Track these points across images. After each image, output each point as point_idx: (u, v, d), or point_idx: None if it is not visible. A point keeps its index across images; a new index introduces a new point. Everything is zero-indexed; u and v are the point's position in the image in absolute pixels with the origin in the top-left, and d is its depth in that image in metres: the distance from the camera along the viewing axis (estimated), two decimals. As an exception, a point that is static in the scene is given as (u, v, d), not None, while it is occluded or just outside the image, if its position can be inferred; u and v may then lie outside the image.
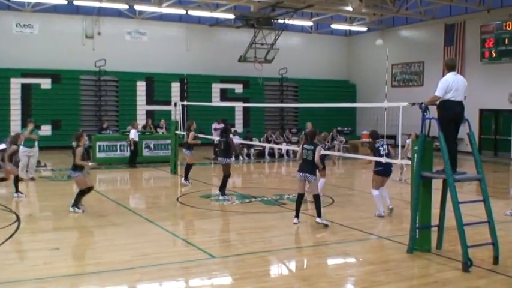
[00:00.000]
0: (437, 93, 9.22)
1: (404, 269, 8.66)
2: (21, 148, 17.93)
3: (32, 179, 17.93)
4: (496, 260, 8.73)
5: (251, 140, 26.07)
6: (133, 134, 21.88)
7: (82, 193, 12.86)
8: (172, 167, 20.28)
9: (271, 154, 26.87)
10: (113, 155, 22.64)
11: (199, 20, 33.25)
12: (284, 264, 9.23)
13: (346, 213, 13.13)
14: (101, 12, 30.39)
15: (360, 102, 34.86)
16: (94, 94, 30.74)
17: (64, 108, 29.23)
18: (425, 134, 9.32)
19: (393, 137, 14.21)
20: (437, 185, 9.66)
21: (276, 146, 25.15)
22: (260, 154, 27.06)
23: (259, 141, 26.89)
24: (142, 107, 31.44)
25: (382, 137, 12.33)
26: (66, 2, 26.89)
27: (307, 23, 34.88)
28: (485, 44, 28.23)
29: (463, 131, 9.65)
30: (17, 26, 29.38)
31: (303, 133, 13.55)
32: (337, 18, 33.97)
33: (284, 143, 26.53)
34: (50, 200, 14.82)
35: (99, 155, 22.26)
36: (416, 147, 9.37)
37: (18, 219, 11.98)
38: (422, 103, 9.33)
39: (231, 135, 16.11)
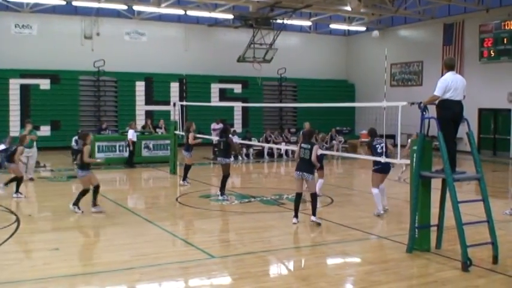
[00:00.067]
0: (436, 93, 9.22)
1: (404, 268, 8.66)
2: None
3: (31, 179, 17.91)
4: (495, 260, 8.73)
5: (250, 140, 26.06)
6: (131, 135, 21.89)
7: (84, 193, 12.84)
8: (172, 167, 20.28)
9: (270, 154, 26.87)
10: (112, 155, 22.62)
11: (198, 20, 33.26)
12: (283, 264, 9.23)
13: (345, 213, 13.13)
14: (100, 12, 30.35)
15: (359, 102, 34.88)
16: (93, 94, 30.72)
17: (63, 109, 29.23)
18: (424, 134, 9.33)
19: (392, 137, 14.24)
20: (436, 184, 9.65)
21: (275, 146, 25.15)
22: (259, 154, 27.07)
23: (258, 141, 26.88)
24: (141, 107, 31.43)
25: (381, 136, 12.34)
26: (64, 3, 26.87)
27: (306, 23, 34.88)
28: (484, 44, 28.24)
29: (462, 131, 9.66)
30: (15, 26, 29.36)
31: (300, 132, 13.56)
32: (336, 18, 34.00)
33: (283, 143, 26.53)
34: (49, 201, 14.81)
35: (98, 155, 22.18)
36: (415, 147, 9.38)
37: (17, 219, 11.98)
38: (421, 103, 9.34)
39: (230, 135, 16.11)
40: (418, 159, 9.27)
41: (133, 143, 21.92)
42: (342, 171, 23.13)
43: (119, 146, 22.88)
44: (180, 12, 29.90)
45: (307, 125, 19.59)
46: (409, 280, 8.20)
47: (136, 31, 32.01)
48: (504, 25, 27.16)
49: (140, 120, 29.60)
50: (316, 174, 12.47)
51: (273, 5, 27.06)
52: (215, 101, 32.11)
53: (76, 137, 23.54)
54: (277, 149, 26.00)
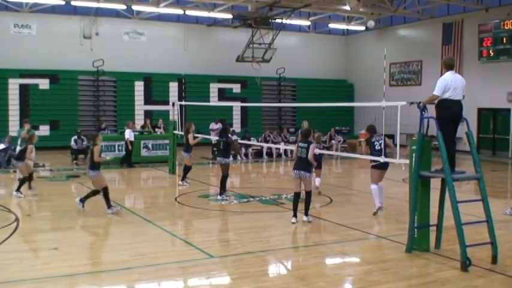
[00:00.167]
0: (435, 92, 9.22)
1: (403, 268, 8.65)
2: (19, 148, 17.97)
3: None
4: (494, 260, 8.73)
5: (249, 139, 26.05)
6: (128, 134, 21.82)
7: (95, 193, 12.81)
8: (170, 167, 20.27)
9: (269, 154, 26.87)
10: (111, 155, 22.55)
11: (197, 20, 33.26)
12: (282, 264, 9.23)
13: (344, 213, 13.12)
14: (99, 12, 30.34)
15: (358, 102, 34.89)
16: (92, 94, 30.70)
17: (62, 109, 29.23)
18: (423, 133, 9.33)
19: (392, 137, 14.23)
20: (435, 184, 9.66)
21: (274, 146, 25.15)
22: (258, 154, 27.06)
23: (257, 141, 26.86)
24: (140, 107, 31.42)
25: (380, 135, 12.35)
26: (63, 3, 26.86)
27: (305, 23, 34.87)
28: (483, 43, 28.23)
29: (461, 130, 9.66)
30: (14, 26, 29.33)
31: (299, 132, 13.64)
32: (335, 17, 34.00)
33: (282, 143, 26.52)
34: (49, 200, 14.80)
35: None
36: (414, 147, 9.37)
37: (17, 219, 11.98)
38: (420, 102, 9.34)
39: (229, 135, 16.11)
40: (417, 159, 9.27)
41: (131, 142, 21.87)
42: (341, 171, 23.15)
43: (118, 146, 22.87)
44: (179, 12, 29.90)
45: (305, 124, 19.62)
46: (408, 280, 8.20)
47: (136, 31, 32.00)
48: (503, 24, 27.15)
49: (139, 120, 29.61)
50: (314, 172, 12.54)
51: (272, 4, 27.06)
52: (214, 101, 32.09)
53: (75, 137, 23.58)
54: (276, 148, 25.99)
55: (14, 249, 9.62)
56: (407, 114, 10.93)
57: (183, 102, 25.70)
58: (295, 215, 11.73)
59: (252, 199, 14.71)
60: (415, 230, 9.35)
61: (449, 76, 9.24)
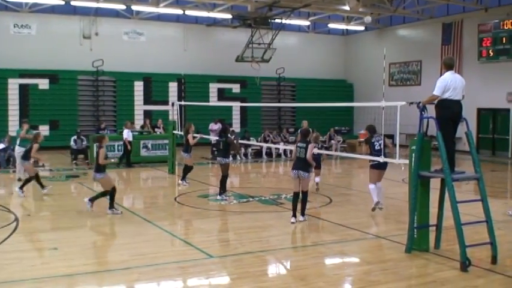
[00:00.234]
0: (435, 92, 9.21)
1: (402, 268, 8.65)
2: (18, 148, 17.98)
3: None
4: (494, 260, 8.72)
5: (248, 139, 26.05)
6: (126, 134, 21.79)
7: (104, 194, 12.75)
8: (170, 167, 20.27)
9: (269, 154, 26.86)
10: (110, 155, 22.53)
11: (197, 20, 33.25)
12: (282, 264, 9.22)
13: (343, 213, 13.12)
14: (98, 12, 30.33)
15: (358, 102, 34.88)
16: (92, 94, 30.70)
17: (62, 109, 29.24)
18: (423, 133, 9.33)
19: (391, 137, 14.24)
20: (435, 184, 9.65)
21: (273, 146, 25.15)
22: (257, 154, 27.05)
23: (257, 141, 26.86)
24: (139, 107, 31.41)
25: (380, 135, 12.37)
26: (63, 3, 26.85)
27: (305, 23, 34.87)
28: (483, 43, 28.23)
29: (461, 130, 9.66)
30: (14, 26, 29.33)
31: (299, 131, 13.68)
32: (334, 17, 34.00)
33: (281, 143, 26.50)
34: (48, 200, 14.79)
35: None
36: (414, 147, 9.37)
37: (16, 219, 11.97)
38: (420, 102, 9.34)
39: (228, 135, 16.12)
40: (416, 159, 9.27)
41: (130, 142, 21.82)
42: (340, 171, 23.15)
43: (118, 146, 22.87)
44: (179, 12, 29.89)
45: (305, 123, 19.63)
46: (407, 280, 8.20)
47: (135, 31, 31.99)
48: (503, 24, 27.15)
49: (139, 120, 29.61)
50: (313, 172, 12.58)
51: (271, 4, 27.05)
52: (213, 101, 32.09)
53: (75, 137, 23.56)
54: (276, 148, 25.99)
55: (13, 249, 9.62)
56: (407, 114, 10.92)
57: (183, 102, 25.67)
58: (294, 215, 11.73)
59: (251, 199, 14.71)
60: (415, 230, 9.35)
61: (449, 76, 9.24)
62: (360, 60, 36.60)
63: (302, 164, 11.67)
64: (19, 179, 17.74)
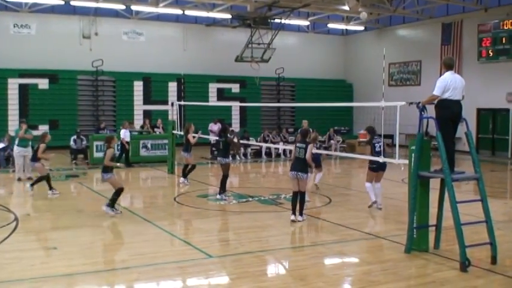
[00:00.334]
0: (435, 93, 9.21)
1: (402, 268, 8.65)
2: (16, 148, 17.99)
3: (30, 178, 17.86)
4: (494, 260, 8.72)
5: (248, 139, 26.04)
6: (123, 134, 21.72)
7: (118, 193, 12.58)
8: (169, 167, 20.27)
9: (268, 154, 26.86)
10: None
11: (196, 20, 33.25)
12: (281, 264, 9.22)
13: (343, 213, 13.12)
14: (98, 12, 30.34)
15: (357, 102, 34.86)
16: (91, 94, 30.70)
17: (61, 108, 29.26)
18: (422, 133, 9.33)
19: (391, 137, 14.25)
20: (435, 184, 9.65)
21: (272, 146, 25.15)
22: (257, 154, 27.05)
23: (256, 141, 26.86)
24: (139, 107, 31.43)
25: (380, 136, 12.39)
26: (63, 3, 26.86)
27: (304, 23, 34.87)
28: (483, 43, 28.24)
29: (460, 130, 9.65)
30: (14, 26, 29.33)
31: (298, 131, 13.70)
32: (333, 17, 34.00)
33: (281, 143, 26.49)
34: (48, 200, 14.77)
35: (96, 154, 22.20)
36: (413, 147, 9.37)
37: (16, 218, 11.97)
38: (419, 102, 9.33)
39: (228, 134, 16.12)
40: (416, 159, 9.26)
41: (127, 142, 21.77)
42: (340, 171, 23.15)
43: (117, 146, 22.82)
44: (178, 12, 29.89)
45: (305, 123, 19.62)
46: (407, 280, 8.19)
47: (135, 31, 31.99)
48: (503, 25, 27.16)
49: (138, 120, 29.63)
50: (314, 171, 12.60)
51: (271, 4, 27.05)
52: (213, 101, 32.11)
53: (75, 137, 23.56)
54: (275, 148, 25.99)
55: (13, 249, 9.61)
56: (407, 115, 10.92)
57: (182, 102, 25.67)
58: (294, 213, 11.75)
59: (251, 199, 14.70)
60: (414, 231, 9.34)
61: (449, 76, 9.23)
62: (360, 60, 36.61)
63: (301, 165, 11.68)
64: (19, 179, 17.77)
